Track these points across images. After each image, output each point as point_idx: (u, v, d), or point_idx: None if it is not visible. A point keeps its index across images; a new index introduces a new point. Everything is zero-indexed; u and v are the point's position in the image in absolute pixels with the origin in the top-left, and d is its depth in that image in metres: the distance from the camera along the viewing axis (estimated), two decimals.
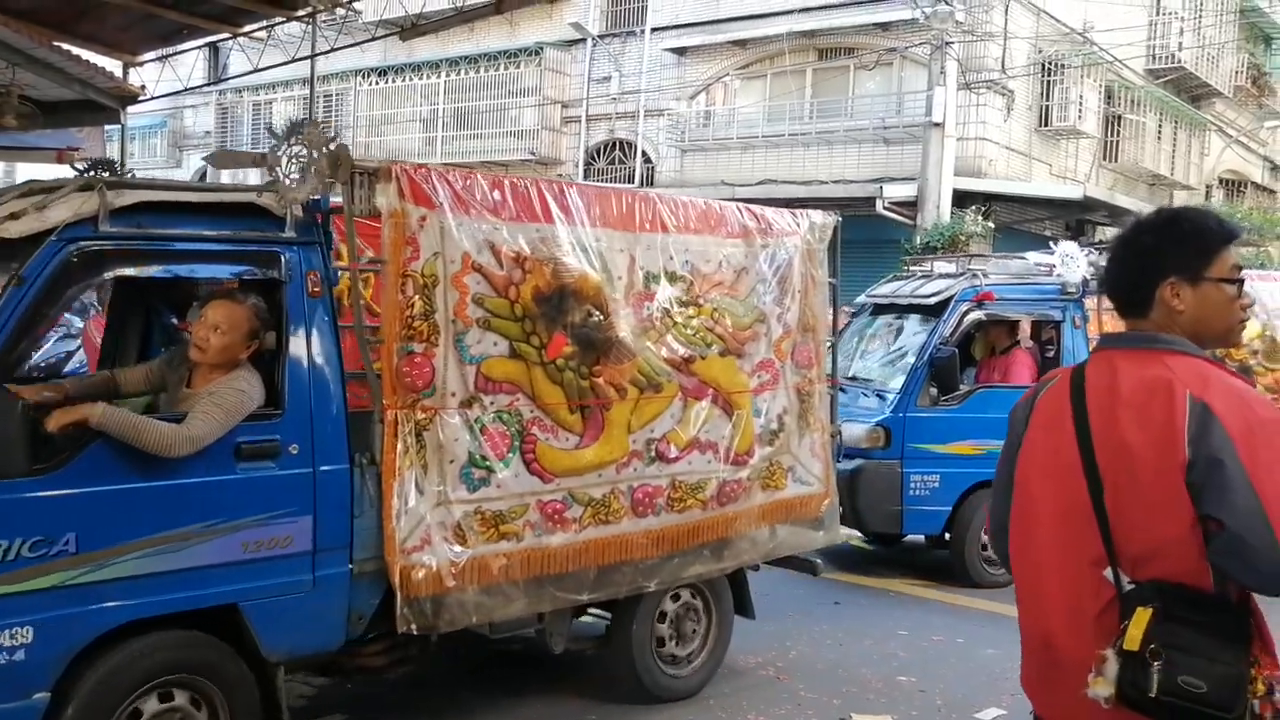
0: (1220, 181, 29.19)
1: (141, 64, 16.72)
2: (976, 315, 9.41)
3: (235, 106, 30.46)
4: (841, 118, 22.15)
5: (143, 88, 16.63)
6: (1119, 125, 23.75)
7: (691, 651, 6.60)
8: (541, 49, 25.14)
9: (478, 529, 5.28)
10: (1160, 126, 24.90)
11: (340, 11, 18.92)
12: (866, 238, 18.36)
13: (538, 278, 5.45)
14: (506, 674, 6.87)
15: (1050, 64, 21.76)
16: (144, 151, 34.05)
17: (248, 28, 16.20)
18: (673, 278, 6.04)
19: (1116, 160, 23.95)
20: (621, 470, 5.81)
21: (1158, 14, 24.68)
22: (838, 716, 6.38)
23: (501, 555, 5.35)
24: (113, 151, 22.58)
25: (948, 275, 9.96)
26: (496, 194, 5.36)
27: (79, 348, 11.21)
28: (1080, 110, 21.84)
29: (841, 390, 9.65)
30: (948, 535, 9.39)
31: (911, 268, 10.84)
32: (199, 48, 19.52)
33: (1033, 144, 22.19)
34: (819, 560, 7.14)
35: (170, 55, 18.00)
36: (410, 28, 19.95)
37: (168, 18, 13.70)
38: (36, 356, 16.56)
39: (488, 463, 5.30)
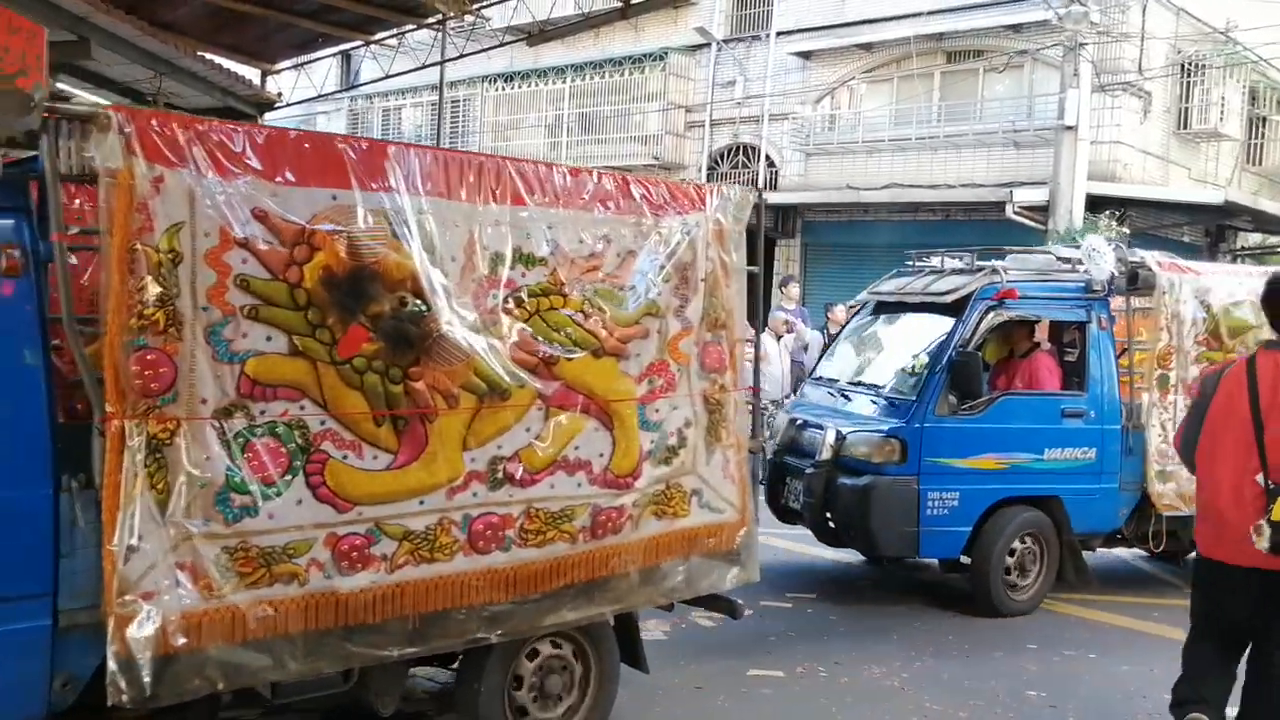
0: None
1: (278, 72, 16.45)
2: (999, 315, 7.79)
3: (366, 113, 29.55)
4: (970, 121, 20.24)
5: (279, 95, 16.49)
6: (1263, 127, 21.23)
7: (561, 714, 5.04)
8: (666, 54, 23.68)
9: (237, 570, 3.83)
10: None
11: (469, 19, 18.06)
12: (996, 242, 16.64)
13: (328, 256, 3.97)
14: None
15: (1190, 64, 19.51)
16: None
17: (379, 35, 15.86)
18: (529, 260, 4.50)
19: (1261, 164, 21.37)
20: (455, 495, 4.30)
21: None
22: None
23: (266, 603, 3.88)
24: None
25: (963, 271, 8.24)
26: (275, 150, 3.92)
27: None
28: (1222, 112, 19.58)
29: (845, 396, 8.14)
30: (966, 559, 7.88)
31: (918, 262, 9.08)
32: (332, 55, 18.78)
33: (1170, 147, 19.94)
34: (739, 601, 5.67)
35: (305, 63, 17.55)
36: (537, 34, 19.16)
37: (303, 27, 13.43)
38: None
39: (252, 486, 3.86)
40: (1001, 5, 19.39)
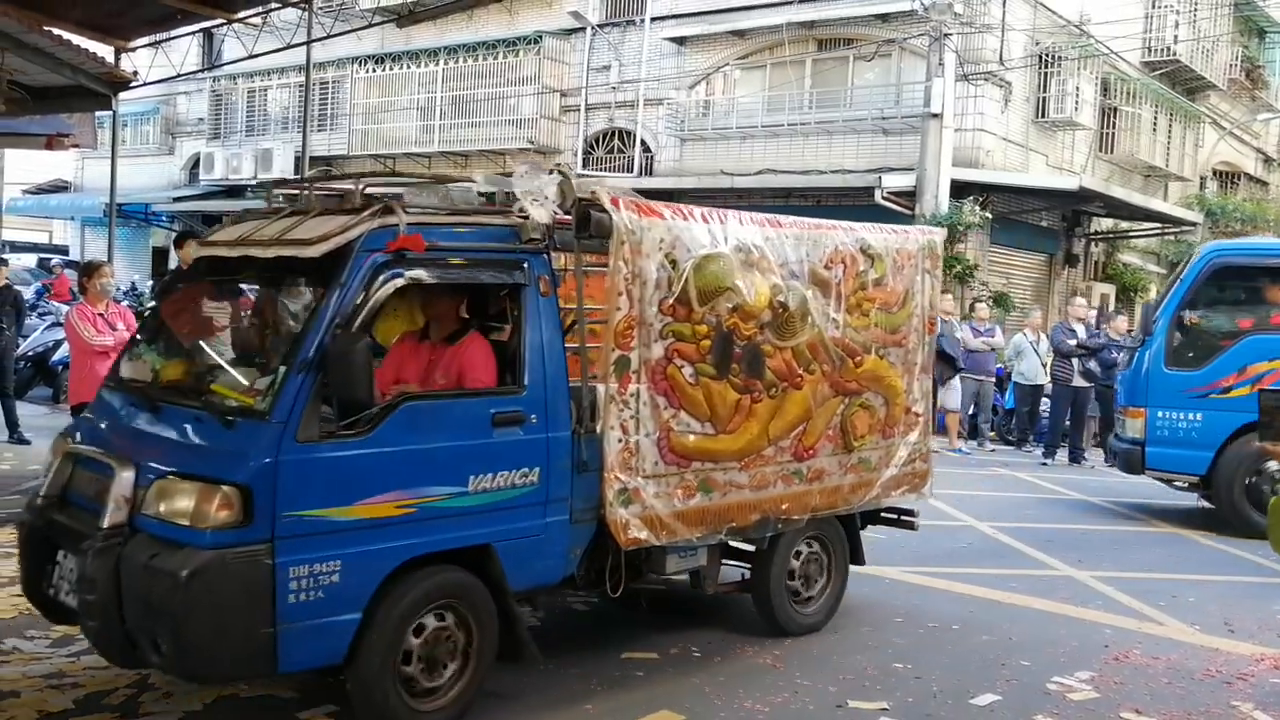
0: (1214, 173, 26.56)
1: (133, 50, 15.05)
2: (396, 276, 4.71)
3: (229, 93, 27.88)
4: (840, 108, 19.83)
5: (134, 74, 14.95)
6: (1115, 117, 21.23)
7: None
8: (541, 37, 22.59)
9: None
10: (1155, 119, 22.25)
11: None
12: None
13: None
14: None
15: (1047, 56, 19.45)
16: (136, 138, 31.45)
17: (242, 14, 14.47)
18: None
19: (1112, 152, 21.45)
20: None
21: (1154, 7, 22.18)
22: (834, 704, 5.48)
23: None
24: (103, 138, 20.30)
25: (338, 210, 5.03)
26: None
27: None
28: (1077, 102, 19.55)
29: (155, 410, 4.93)
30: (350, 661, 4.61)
31: (273, 200, 5.87)
32: (192, 33, 17.11)
33: (1030, 135, 19.86)
34: None
35: (163, 41, 15.97)
36: (407, 15, 17.91)
37: (161, 2, 12.08)
38: (25, 345, 14.50)
39: None
40: None
